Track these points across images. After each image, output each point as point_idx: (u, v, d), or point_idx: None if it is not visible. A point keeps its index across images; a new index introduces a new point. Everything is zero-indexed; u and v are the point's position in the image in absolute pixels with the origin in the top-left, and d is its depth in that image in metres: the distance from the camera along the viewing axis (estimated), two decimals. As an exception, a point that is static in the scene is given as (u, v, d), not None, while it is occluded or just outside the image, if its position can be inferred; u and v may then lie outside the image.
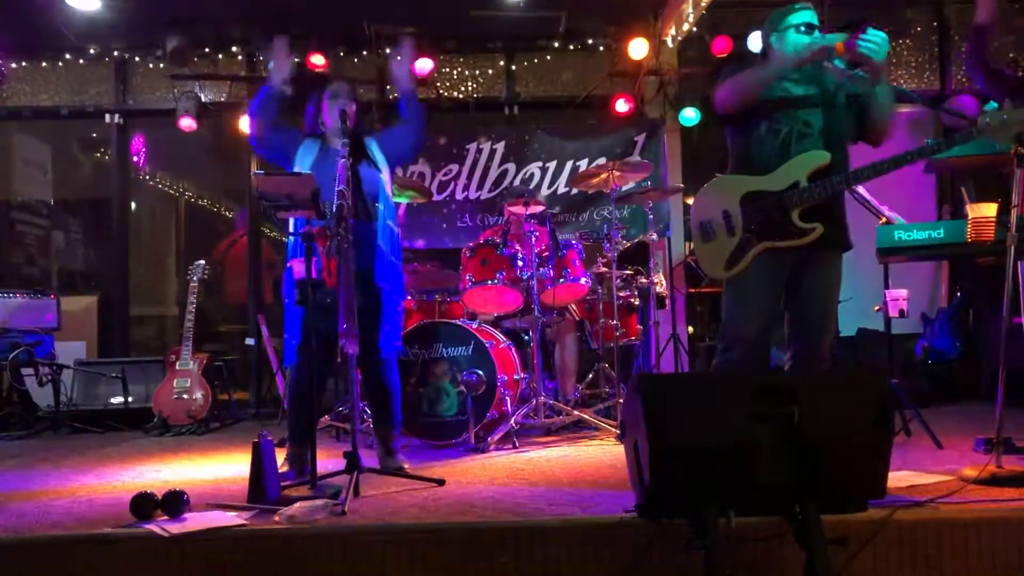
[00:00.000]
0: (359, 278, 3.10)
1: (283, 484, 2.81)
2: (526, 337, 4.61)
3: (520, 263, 4.29)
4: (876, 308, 4.04)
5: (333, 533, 2.32)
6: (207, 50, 6.42)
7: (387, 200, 3.35)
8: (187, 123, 6.14)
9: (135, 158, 6.92)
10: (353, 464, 2.75)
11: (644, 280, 4.95)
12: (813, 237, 2.82)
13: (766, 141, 2.90)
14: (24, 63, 6.61)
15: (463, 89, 6.71)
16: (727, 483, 2.09)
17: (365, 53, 6.52)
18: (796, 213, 2.83)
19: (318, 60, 6.03)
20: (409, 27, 6.19)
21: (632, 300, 4.95)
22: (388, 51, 6.39)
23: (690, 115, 6.13)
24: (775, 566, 2.21)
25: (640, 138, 6.30)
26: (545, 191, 6.39)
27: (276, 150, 3.39)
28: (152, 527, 2.35)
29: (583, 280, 4.42)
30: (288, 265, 3.32)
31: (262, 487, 2.63)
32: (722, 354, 2.93)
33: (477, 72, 6.74)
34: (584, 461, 3.53)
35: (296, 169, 3.27)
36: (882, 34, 2.77)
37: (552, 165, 6.47)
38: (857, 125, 2.99)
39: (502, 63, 6.72)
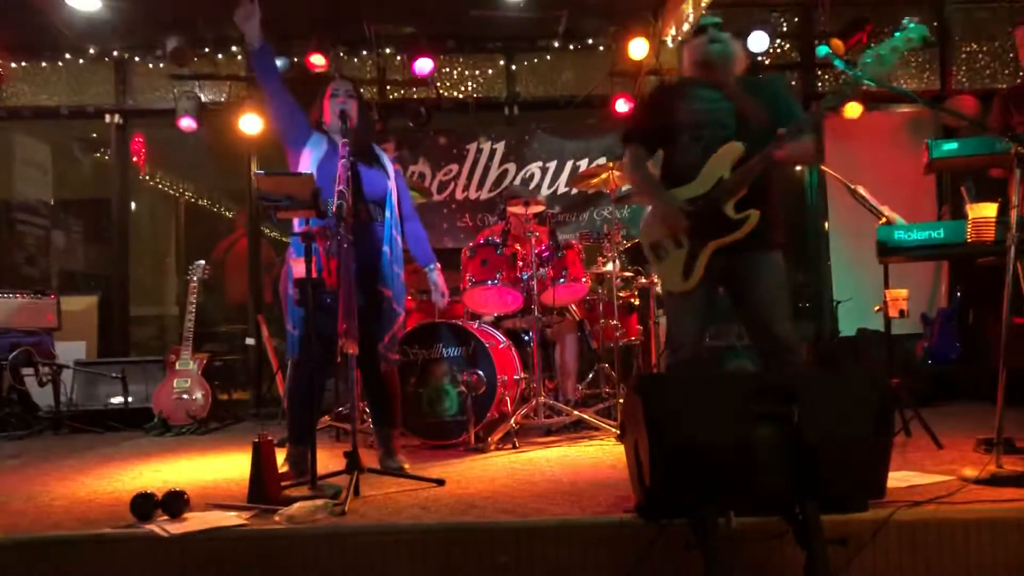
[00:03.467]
0: (361, 279, 3.09)
1: (283, 484, 2.81)
2: (526, 337, 4.61)
3: (520, 263, 4.29)
4: (876, 308, 4.03)
5: (333, 533, 2.32)
6: (207, 50, 6.42)
7: (393, 207, 3.34)
8: (187, 123, 6.14)
9: (135, 158, 6.92)
10: (353, 464, 2.74)
11: (644, 280, 4.95)
12: (752, 223, 2.84)
13: (690, 149, 2.95)
14: (24, 63, 6.62)
15: (463, 89, 6.72)
16: (727, 483, 2.09)
17: (365, 53, 6.52)
18: (730, 206, 2.86)
19: (318, 60, 6.03)
20: (409, 27, 6.21)
21: (632, 300, 4.95)
22: (388, 51, 6.40)
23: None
24: (775, 566, 2.21)
25: (640, 138, 6.29)
26: (545, 191, 6.40)
27: (283, 124, 3.32)
28: (152, 527, 2.35)
29: (583, 280, 4.42)
30: (288, 263, 3.31)
31: (262, 487, 2.63)
32: (673, 355, 3.01)
33: (477, 72, 6.74)
34: (584, 461, 3.53)
35: (304, 164, 3.26)
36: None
37: (552, 165, 6.47)
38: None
39: (502, 63, 6.73)
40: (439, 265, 3.69)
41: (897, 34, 2.70)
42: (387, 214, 3.31)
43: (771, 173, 2.91)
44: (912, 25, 2.72)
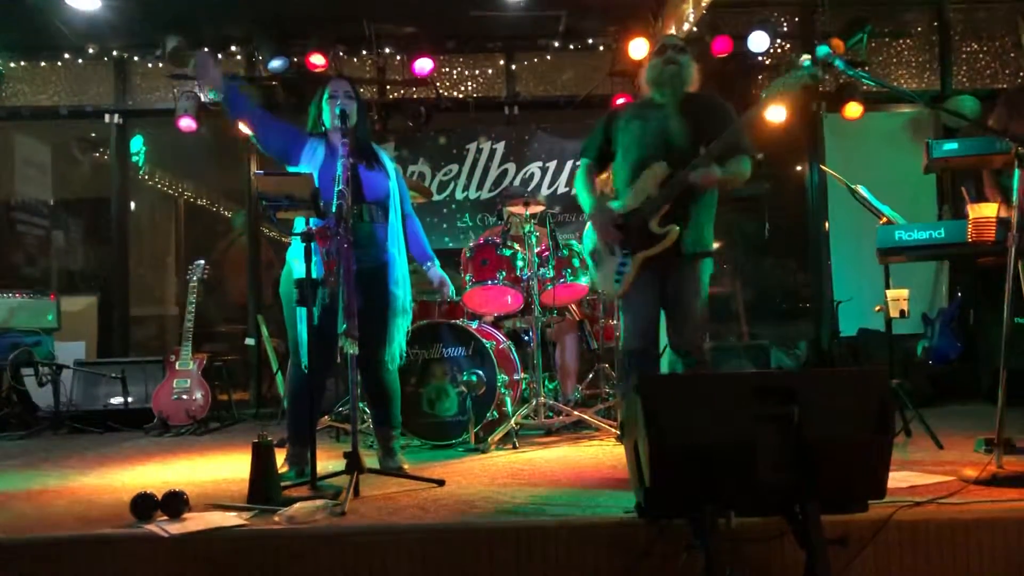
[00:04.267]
0: (367, 281, 3.09)
1: (283, 484, 2.81)
2: (526, 337, 4.61)
3: (520, 263, 4.29)
4: (877, 308, 4.03)
5: (333, 533, 2.32)
6: (206, 50, 6.41)
7: (397, 208, 3.34)
8: (186, 123, 6.13)
9: (135, 158, 6.92)
10: (353, 464, 2.74)
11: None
12: (673, 237, 3.13)
13: (623, 167, 3.30)
14: (24, 63, 6.62)
15: (463, 89, 6.71)
16: (727, 483, 2.09)
17: (365, 53, 6.52)
18: (655, 222, 3.16)
19: (318, 60, 6.02)
20: (409, 27, 6.21)
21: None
22: (388, 51, 6.40)
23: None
24: (775, 566, 2.21)
25: (640, 138, 6.29)
26: (545, 191, 6.40)
27: (275, 146, 3.32)
28: (152, 527, 2.35)
29: (583, 280, 4.42)
30: (288, 264, 3.31)
31: (262, 487, 2.63)
32: (628, 346, 3.31)
33: (477, 72, 6.74)
34: (584, 461, 3.53)
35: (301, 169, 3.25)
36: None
37: (552, 165, 6.47)
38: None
39: (502, 63, 6.72)
40: (437, 262, 3.67)
41: (794, 70, 3.04)
42: (391, 215, 3.30)
43: (695, 191, 3.15)
44: (806, 64, 3.01)
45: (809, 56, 3.03)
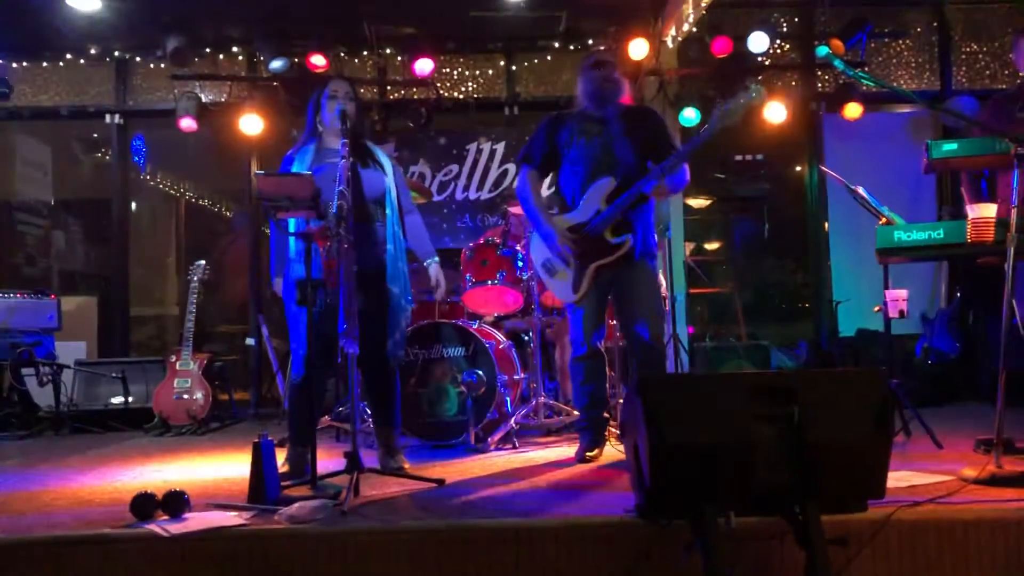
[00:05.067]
0: (365, 280, 3.09)
1: (283, 484, 2.81)
2: (526, 337, 4.61)
3: (520, 263, 4.29)
4: (876, 308, 4.04)
5: (333, 533, 2.32)
6: (207, 51, 6.42)
7: (393, 205, 3.34)
8: (187, 124, 6.13)
9: (135, 158, 6.93)
10: (353, 464, 2.75)
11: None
12: (627, 246, 3.33)
13: (570, 180, 3.44)
14: (25, 63, 6.62)
15: (463, 89, 6.72)
16: (727, 483, 2.09)
17: (365, 53, 6.52)
18: (608, 233, 3.33)
19: (319, 61, 6.03)
20: (409, 27, 6.21)
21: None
22: (389, 51, 6.41)
23: (690, 115, 6.12)
24: (775, 566, 2.21)
25: (640, 138, 6.29)
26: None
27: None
28: (153, 527, 2.35)
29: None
30: (288, 266, 3.31)
31: (262, 487, 2.63)
32: (577, 350, 3.50)
33: (477, 72, 6.75)
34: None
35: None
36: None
37: (552, 165, 6.46)
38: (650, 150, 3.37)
39: (502, 63, 6.73)
40: (437, 260, 3.67)
41: (742, 93, 3.13)
42: (388, 212, 3.30)
43: (644, 201, 3.36)
44: (753, 87, 3.13)
45: (759, 82, 3.16)
